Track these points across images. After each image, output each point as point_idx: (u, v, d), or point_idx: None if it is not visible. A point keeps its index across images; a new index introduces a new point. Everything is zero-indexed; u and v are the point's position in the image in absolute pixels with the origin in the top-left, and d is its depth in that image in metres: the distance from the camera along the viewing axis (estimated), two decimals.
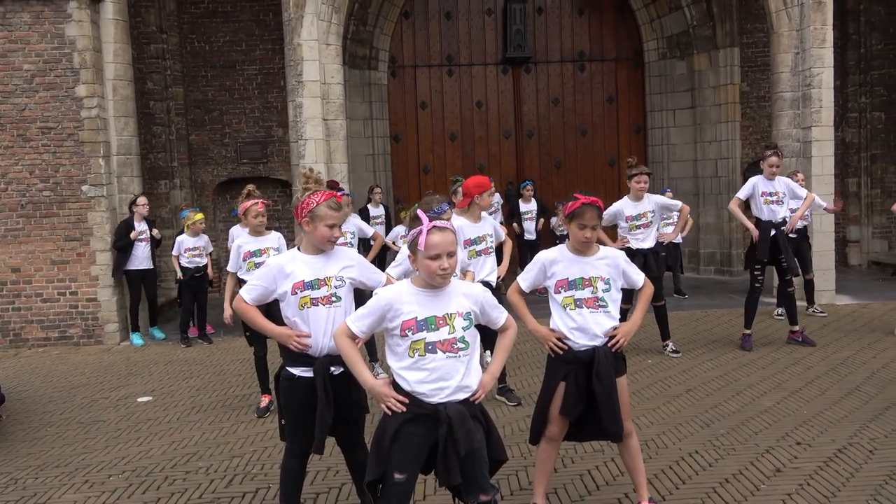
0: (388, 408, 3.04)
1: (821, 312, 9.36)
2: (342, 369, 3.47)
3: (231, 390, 7.12)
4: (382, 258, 11.65)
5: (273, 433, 5.61)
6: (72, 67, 9.32)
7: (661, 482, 4.48)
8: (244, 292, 3.63)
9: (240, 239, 6.17)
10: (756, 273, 7.63)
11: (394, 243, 10.87)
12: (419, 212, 3.11)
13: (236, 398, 6.81)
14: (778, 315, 9.03)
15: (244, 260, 6.00)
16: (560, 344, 3.72)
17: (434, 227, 3.00)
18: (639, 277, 3.91)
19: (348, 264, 3.65)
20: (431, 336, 3.03)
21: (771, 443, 5.06)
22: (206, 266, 9.40)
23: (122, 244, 9.32)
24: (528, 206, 11.96)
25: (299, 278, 3.54)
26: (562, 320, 3.78)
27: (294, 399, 3.59)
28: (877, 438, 5.06)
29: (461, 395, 3.08)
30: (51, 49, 9.30)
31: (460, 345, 3.06)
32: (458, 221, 5.63)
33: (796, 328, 7.83)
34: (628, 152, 14.01)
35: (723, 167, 13.03)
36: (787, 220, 7.54)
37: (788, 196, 7.56)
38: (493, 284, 5.84)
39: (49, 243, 9.51)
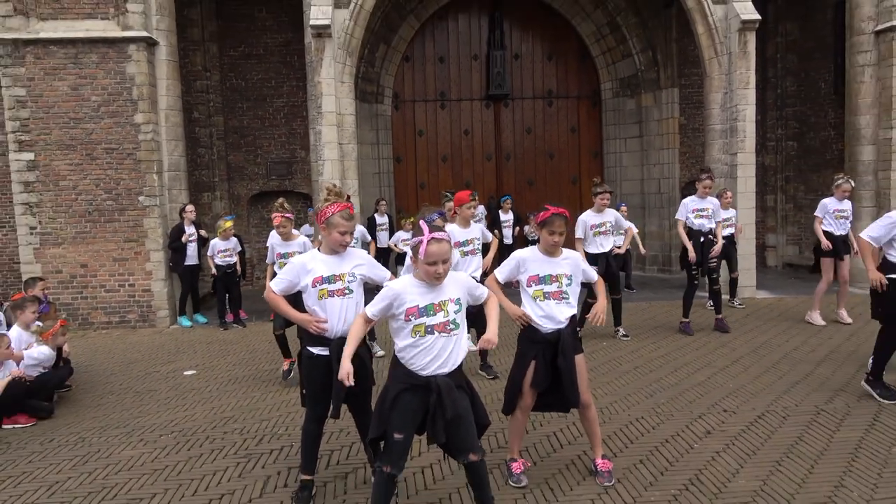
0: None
1: (740, 304, 9.39)
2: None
3: (261, 365, 7.08)
4: (386, 257, 11.66)
5: (295, 401, 5.60)
6: (131, 99, 9.25)
7: (613, 442, 4.49)
8: (273, 284, 3.63)
9: (272, 239, 6.25)
10: (693, 272, 7.64)
11: (395, 245, 10.89)
12: (421, 222, 3.14)
13: (265, 372, 6.78)
14: (710, 306, 9.06)
15: (278, 258, 6.12)
16: (524, 320, 3.78)
17: (433, 238, 3.04)
18: (593, 274, 3.96)
19: (359, 263, 3.64)
20: (430, 320, 3.10)
21: (703, 410, 5.07)
22: (235, 263, 9.34)
23: (176, 245, 9.26)
24: (507, 217, 11.95)
25: (318, 273, 3.53)
26: (532, 309, 3.78)
27: (313, 374, 3.58)
28: (789, 407, 5.08)
29: (449, 369, 3.11)
30: (114, 84, 9.22)
31: (452, 326, 3.14)
32: (450, 227, 5.66)
33: (720, 316, 7.87)
34: (588, 173, 14.07)
35: (665, 185, 13.06)
36: (713, 231, 7.62)
37: (715, 213, 7.63)
38: (478, 279, 5.84)
39: (111, 244, 9.43)
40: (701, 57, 10.48)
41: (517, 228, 12.16)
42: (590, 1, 13.16)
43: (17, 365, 5.61)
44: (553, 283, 3.76)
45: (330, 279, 3.53)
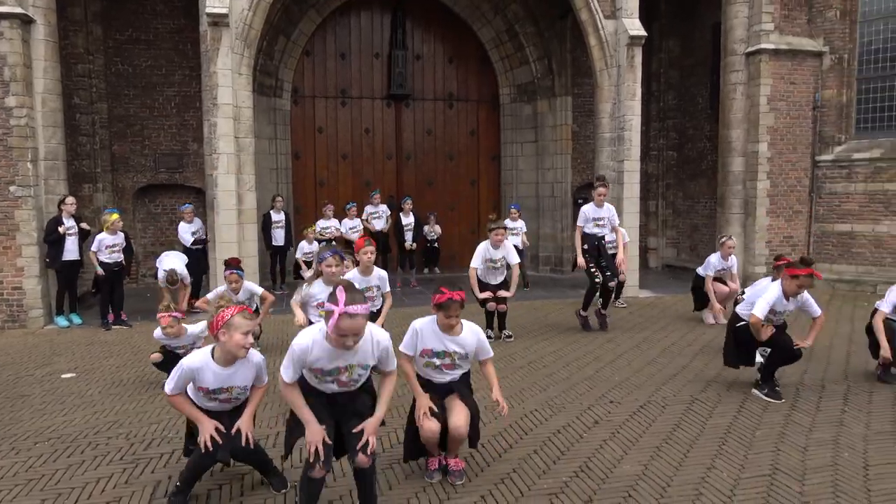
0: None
1: (623, 304, 9.93)
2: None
3: (148, 367, 6.63)
4: (283, 254, 11.41)
5: None
6: (2, 80, 8.50)
7: (509, 434, 4.65)
8: (169, 388, 3.46)
9: (157, 333, 5.72)
10: (592, 271, 7.88)
11: (300, 259, 10.78)
12: (337, 291, 2.90)
13: (153, 373, 6.39)
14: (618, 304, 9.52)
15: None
16: (422, 420, 3.68)
17: (346, 313, 2.87)
18: (489, 350, 3.89)
19: (250, 374, 3.58)
20: (331, 377, 3.16)
21: (591, 402, 5.35)
22: (122, 260, 8.81)
23: (52, 238, 8.57)
24: (408, 220, 11.98)
25: (205, 385, 3.47)
26: (422, 371, 3.85)
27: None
28: (668, 397, 5.46)
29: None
30: None
31: (352, 384, 3.22)
32: (350, 274, 5.53)
33: (604, 312, 8.14)
34: (487, 175, 14.42)
35: (558, 189, 13.59)
36: (607, 237, 7.94)
37: (610, 221, 7.94)
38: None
39: None
40: (593, 68, 11.02)
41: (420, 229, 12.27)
42: (490, 7, 13.48)
43: None
44: (446, 358, 3.81)
45: (217, 391, 3.50)
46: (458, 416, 3.75)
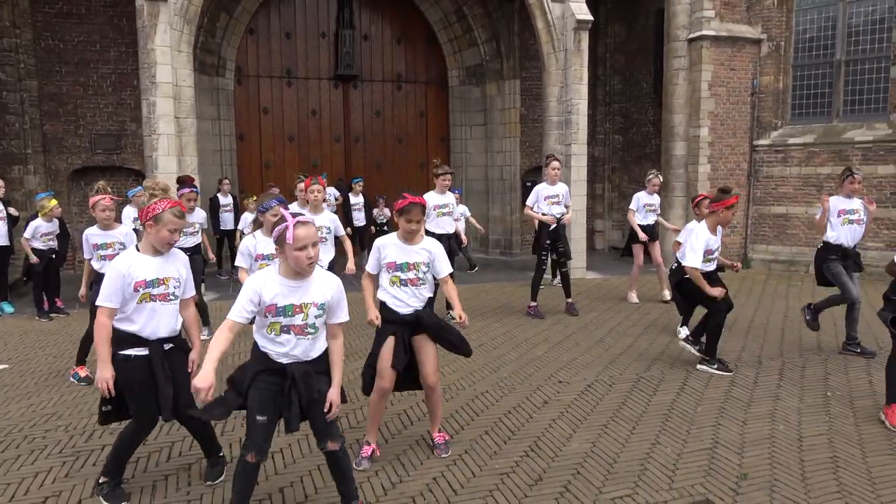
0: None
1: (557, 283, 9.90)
2: (172, 345, 3.42)
3: (88, 356, 6.47)
4: (232, 238, 11.13)
5: None
6: None
7: (461, 415, 4.69)
8: (103, 302, 3.26)
9: (89, 230, 5.44)
10: (542, 257, 7.95)
11: (242, 232, 10.39)
12: (282, 210, 2.97)
13: (92, 363, 6.18)
14: (557, 283, 9.59)
15: (94, 250, 5.37)
16: (376, 323, 3.82)
17: (298, 221, 2.87)
18: (447, 267, 3.91)
19: (182, 265, 3.49)
20: (287, 321, 2.95)
21: (541, 382, 5.44)
22: (57, 247, 8.41)
23: None
24: (357, 199, 11.87)
25: (141, 277, 3.30)
26: (388, 293, 3.83)
27: (133, 376, 3.32)
28: (614, 376, 5.60)
29: (305, 360, 3.02)
30: None
31: (310, 330, 2.99)
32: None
33: (570, 300, 8.17)
34: (436, 157, 14.35)
35: (507, 172, 13.68)
36: (563, 216, 7.90)
37: (565, 198, 7.92)
38: (326, 268, 5.72)
39: None
40: (540, 52, 11.07)
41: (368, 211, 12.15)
42: None
43: None
44: (410, 271, 3.81)
45: (153, 283, 3.34)
46: (429, 364, 3.85)
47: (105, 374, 3.27)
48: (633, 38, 14.21)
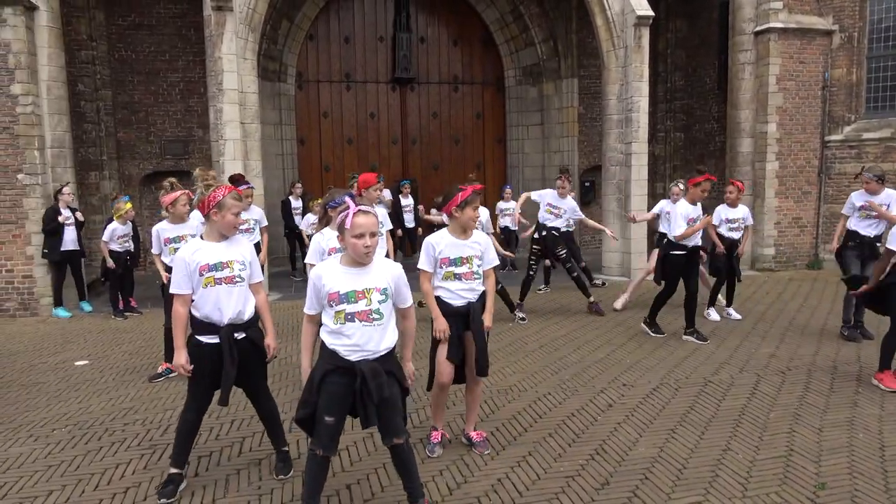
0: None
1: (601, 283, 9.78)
2: (244, 335, 3.52)
3: (161, 354, 6.69)
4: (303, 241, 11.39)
5: None
6: (7, 68, 8.46)
7: (524, 417, 4.66)
8: (177, 289, 3.45)
9: (159, 225, 5.63)
10: (531, 263, 8.00)
11: (305, 230, 10.62)
12: (346, 199, 3.07)
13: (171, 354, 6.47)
14: (539, 290, 9.57)
15: (165, 245, 5.56)
16: (443, 336, 3.83)
17: (359, 210, 2.95)
18: (495, 259, 4.03)
19: (248, 249, 3.64)
20: (351, 308, 2.99)
21: (604, 385, 5.36)
22: (132, 248, 8.77)
23: (51, 228, 8.55)
24: (407, 201, 11.98)
25: (204, 262, 3.44)
26: (442, 287, 3.89)
27: (201, 362, 3.48)
28: (680, 380, 5.46)
29: (374, 356, 3.02)
30: None
31: (375, 316, 3.01)
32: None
33: (592, 300, 8.16)
34: (493, 158, 14.37)
35: None
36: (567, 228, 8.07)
37: (569, 213, 7.95)
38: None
39: None
40: (599, 49, 10.90)
41: (421, 208, 12.21)
42: None
43: None
44: (464, 265, 3.86)
45: (217, 266, 3.46)
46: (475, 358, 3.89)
47: (179, 359, 3.46)
48: (695, 32, 13.83)
